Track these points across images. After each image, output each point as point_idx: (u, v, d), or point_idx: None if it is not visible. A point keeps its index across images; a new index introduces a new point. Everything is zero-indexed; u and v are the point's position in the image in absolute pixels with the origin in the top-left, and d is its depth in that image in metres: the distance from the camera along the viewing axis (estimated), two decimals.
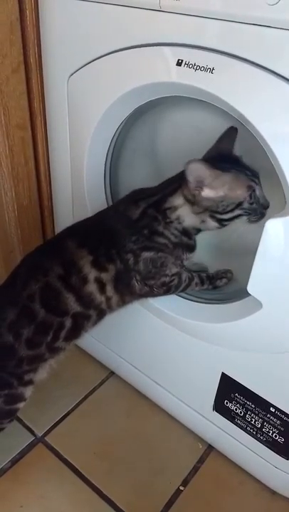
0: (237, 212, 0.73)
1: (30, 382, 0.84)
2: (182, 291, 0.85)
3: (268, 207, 0.74)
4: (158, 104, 0.80)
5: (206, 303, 0.87)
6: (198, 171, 0.70)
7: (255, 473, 0.94)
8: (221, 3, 0.61)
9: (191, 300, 0.88)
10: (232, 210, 0.73)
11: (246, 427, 0.90)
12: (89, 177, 0.91)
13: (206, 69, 0.64)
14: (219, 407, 0.92)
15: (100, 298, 0.78)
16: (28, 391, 0.85)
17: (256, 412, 0.86)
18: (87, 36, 0.79)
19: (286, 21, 0.56)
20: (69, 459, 0.97)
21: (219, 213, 0.74)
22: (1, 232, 1.06)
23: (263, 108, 0.62)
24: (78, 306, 0.77)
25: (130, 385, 1.12)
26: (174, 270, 0.80)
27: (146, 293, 0.81)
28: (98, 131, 0.84)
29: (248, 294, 0.72)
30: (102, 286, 0.77)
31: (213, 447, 1.00)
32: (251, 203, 0.72)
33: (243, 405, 0.87)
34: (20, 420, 1.03)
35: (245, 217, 0.74)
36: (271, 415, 0.84)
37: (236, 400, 0.88)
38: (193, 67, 0.65)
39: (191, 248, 0.80)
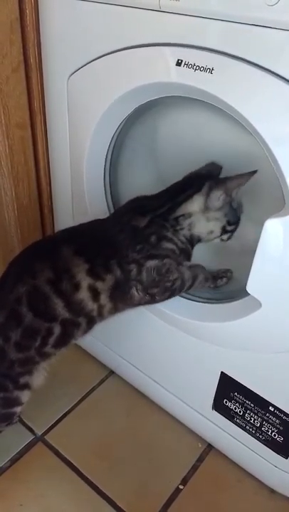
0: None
1: (27, 385, 0.83)
2: (186, 291, 0.85)
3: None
4: (158, 104, 0.80)
5: (205, 302, 0.87)
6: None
7: (254, 472, 0.94)
8: (221, 3, 0.61)
9: (191, 299, 0.88)
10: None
11: (245, 426, 0.90)
12: (89, 176, 0.91)
13: (205, 69, 0.64)
14: (218, 406, 0.92)
15: (91, 305, 0.77)
16: (24, 396, 0.85)
17: (255, 411, 0.86)
18: (87, 36, 0.79)
19: (285, 22, 0.56)
20: (69, 458, 0.98)
21: (229, 224, 0.80)
22: (1, 231, 1.06)
23: (262, 108, 0.62)
24: (67, 312, 0.76)
25: (130, 384, 1.12)
26: (176, 275, 0.81)
27: (146, 302, 0.81)
28: (98, 131, 0.84)
29: (247, 294, 0.72)
30: (96, 294, 0.76)
31: (213, 446, 1.00)
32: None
33: (243, 404, 0.88)
34: (19, 419, 1.03)
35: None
36: (270, 414, 0.84)
37: (235, 399, 0.88)
38: (192, 67, 0.65)
39: (189, 256, 0.83)
